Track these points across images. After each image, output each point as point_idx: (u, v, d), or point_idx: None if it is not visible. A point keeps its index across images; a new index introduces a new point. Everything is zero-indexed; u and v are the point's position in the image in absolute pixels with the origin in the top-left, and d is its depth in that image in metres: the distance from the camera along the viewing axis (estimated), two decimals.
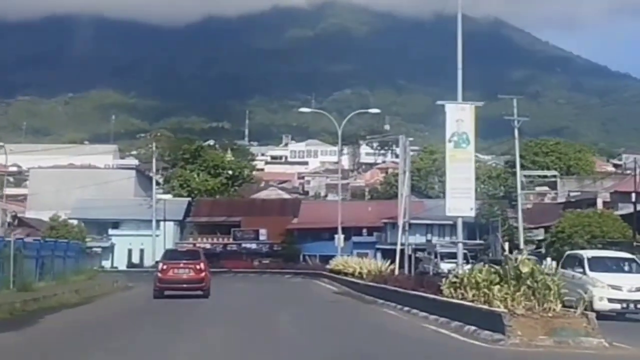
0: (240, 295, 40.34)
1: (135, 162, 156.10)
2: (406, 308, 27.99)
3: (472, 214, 30.63)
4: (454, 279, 23.95)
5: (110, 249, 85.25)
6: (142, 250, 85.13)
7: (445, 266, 52.68)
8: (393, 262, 44.02)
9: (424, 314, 25.12)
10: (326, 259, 77.13)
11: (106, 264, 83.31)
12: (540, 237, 76.70)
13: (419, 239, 79.03)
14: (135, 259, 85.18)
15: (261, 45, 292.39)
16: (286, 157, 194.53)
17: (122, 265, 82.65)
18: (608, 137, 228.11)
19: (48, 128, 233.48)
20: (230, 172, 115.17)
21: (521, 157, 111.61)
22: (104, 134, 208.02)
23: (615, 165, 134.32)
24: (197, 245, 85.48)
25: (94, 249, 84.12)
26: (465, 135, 28.96)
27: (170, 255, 37.61)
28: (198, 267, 35.31)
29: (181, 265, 35.22)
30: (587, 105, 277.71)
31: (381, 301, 32.49)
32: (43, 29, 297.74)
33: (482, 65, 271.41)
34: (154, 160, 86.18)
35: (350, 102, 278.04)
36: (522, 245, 67.04)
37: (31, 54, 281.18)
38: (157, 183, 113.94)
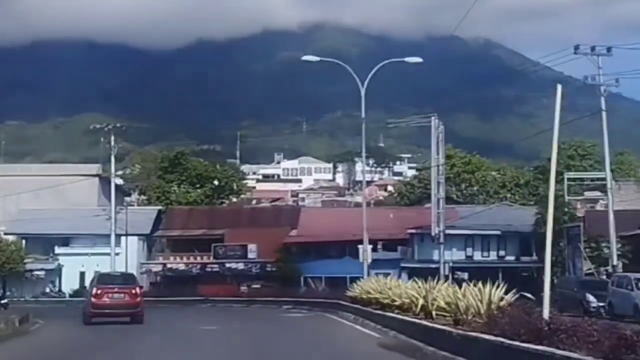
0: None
1: (119, 181, 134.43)
2: None
3: None
4: None
5: (57, 272, 61.76)
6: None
7: None
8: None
9: None
10: (334, 282, 55.61)
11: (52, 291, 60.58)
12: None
13: (456, 254, 56.47)
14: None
15: (252, 68, 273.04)
16: (278, 176, 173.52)
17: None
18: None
19: (38, 152, 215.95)
20: (216, 182, 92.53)
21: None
22: (93, 157, 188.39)
23: None
24: (169, 265, 63.13)
25: (35, 273, 61.28)
26: None
27: (104, 280, 33.42)
28: (133, 291, 31.81)
29: (116, 290, 31.86)
30: (580, 125, 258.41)
31: None
32: (32, 53, 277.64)
33: (475, 87, 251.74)
34: (112, 158, 63.31)
35: (342, 124, 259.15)
36: (615, 261, 44.51)
37: (20, 79, 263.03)
38: (126, 194, 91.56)
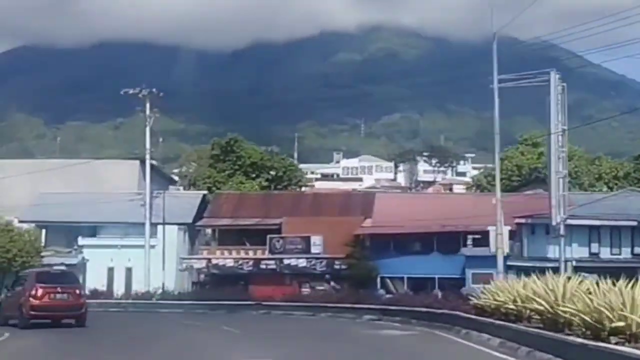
0: None
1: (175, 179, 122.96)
2: None
3: None
4: None
5: (80, 268, 48.40)
6: (129, 270, 48.90)
7: None
8: None
9: None
10: (419, 284, 42.06)
11: None
12: None
13: (577, 251, 42.11)
14: (119, 284, 48.79)
15: (309, 69, 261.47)
16: (338, 175, 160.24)
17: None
18: None
19: (96, 151, 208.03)
20: (272, 172, 79.72)
21: None
22: (153, 158, 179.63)
23: None
24: (214, 261, 49.93)
25: (54, 268, 48.21)
26: None
27: (43, 278, 28.37)
28: (77, 291, 28.03)
29: (58, 289, 27.56)
30: None
31: None
32: (93, 55, 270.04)
33: (534, 89, 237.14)
34: (147, 133, 50.69)
35: (400, 126, 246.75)
36: None
37: (81, 80, 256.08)
38: (172, 181, 79.28)
